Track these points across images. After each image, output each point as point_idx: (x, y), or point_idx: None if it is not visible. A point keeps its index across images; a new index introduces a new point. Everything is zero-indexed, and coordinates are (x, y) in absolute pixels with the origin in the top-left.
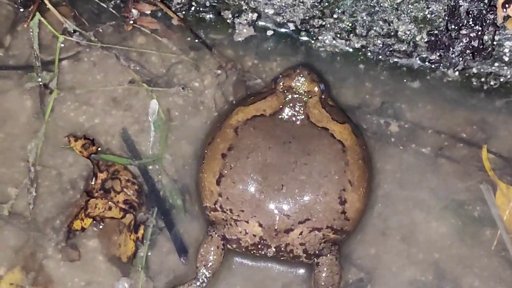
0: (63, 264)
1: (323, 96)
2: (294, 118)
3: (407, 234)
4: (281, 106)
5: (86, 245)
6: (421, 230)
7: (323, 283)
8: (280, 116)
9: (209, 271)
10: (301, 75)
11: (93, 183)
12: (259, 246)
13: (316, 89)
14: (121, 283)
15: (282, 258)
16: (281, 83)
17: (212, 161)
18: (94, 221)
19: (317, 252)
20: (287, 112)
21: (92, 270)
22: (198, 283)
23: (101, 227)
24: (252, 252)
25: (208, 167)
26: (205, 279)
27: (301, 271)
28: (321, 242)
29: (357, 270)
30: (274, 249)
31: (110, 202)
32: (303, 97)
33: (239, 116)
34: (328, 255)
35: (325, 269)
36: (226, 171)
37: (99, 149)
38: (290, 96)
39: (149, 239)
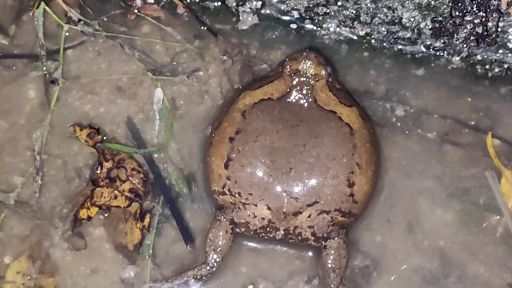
0: (69, 252)
1: (330, 79)
2: (301, 102)
3: (412, 222)
4: (288, 90)
5: (92, 233)
6: (426, 217)
7: (330, 266)
8: (287, 100)
9: (219, 256)
10: (308, 58)
11: (98, 172)
12: (268, 229)
13: (323, 72)
14: (128, 271)
15: (290, 241)
16: (288, 67)
17: (220, 145)
18: (100, 210)
19: (325, 235)
20: (294, 96)
21: (98, 258)
22: (208, 268)
23: (106, 215)
24: (260, 235)
25: (215, 151)
26: (215, 264)
27: (309, 255)
28: (329, 225)
29: (363, 257)
30: (282, 232)
31: (115, 191)
32: (310, 80)
33: (246, 100)
34: (336, 238)
35: (332, 252)
36: (234, 155)
37: (105, 138)
38: (297, 80)
39: (156, 227)
